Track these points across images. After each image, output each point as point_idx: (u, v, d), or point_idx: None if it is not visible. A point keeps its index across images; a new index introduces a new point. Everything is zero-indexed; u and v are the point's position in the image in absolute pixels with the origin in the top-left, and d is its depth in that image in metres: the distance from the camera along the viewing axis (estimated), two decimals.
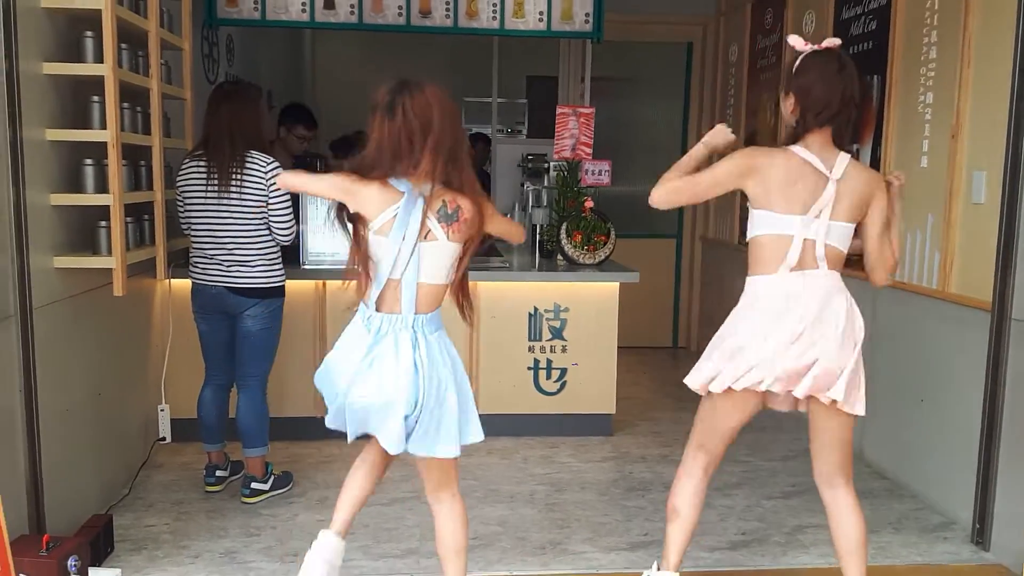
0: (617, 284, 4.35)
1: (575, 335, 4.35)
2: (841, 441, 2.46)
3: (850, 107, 2.35)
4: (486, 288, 4.28)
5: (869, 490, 3.72)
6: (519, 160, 5.85)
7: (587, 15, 5.05)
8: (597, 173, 4.79)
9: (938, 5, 3.53)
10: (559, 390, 4.39)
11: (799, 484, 3.76)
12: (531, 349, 4.34)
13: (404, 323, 2.23)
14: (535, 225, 5.14)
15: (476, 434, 2.35)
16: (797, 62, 2.40)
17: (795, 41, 2.43)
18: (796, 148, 2.36)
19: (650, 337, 6.58)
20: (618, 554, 3.13)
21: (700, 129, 6.43)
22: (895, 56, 3.81)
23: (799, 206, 2.32)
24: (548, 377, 4.38)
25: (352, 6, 4.90)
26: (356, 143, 4.91)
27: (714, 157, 2.48)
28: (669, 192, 2.41)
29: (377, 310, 2.26)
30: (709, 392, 2.45)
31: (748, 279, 2.45)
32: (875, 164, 3.95)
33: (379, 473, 2.55)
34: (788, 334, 2.31)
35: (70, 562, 2.61)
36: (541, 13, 5.02)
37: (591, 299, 4.35)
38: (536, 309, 4.33)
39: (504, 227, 2.46)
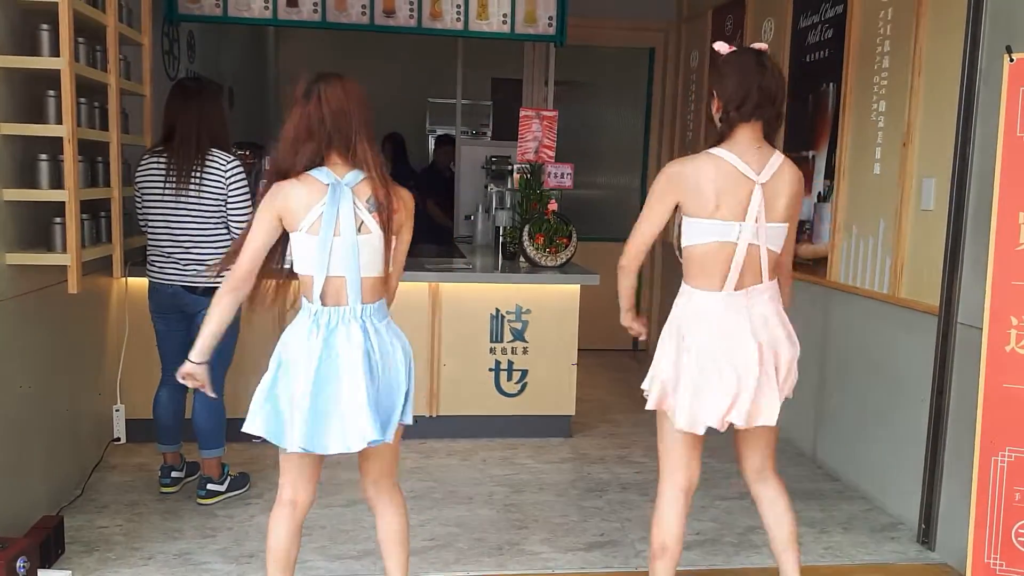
0: (578, 286, 4.38)
1: (536, 336, 4.38)
2: (770, 435, 2.51)
3: (772, 101, 2.31)
4: (448, 289, 4.29)
5: (820, 491, 3.80)
6: (483, 162, 5.87)
7: (550, 19, 5.09)
8: (559, 176, 4.84)
9: (891, 15, 3.61)
10: (520, 391, 4.41)
11: None
12: (492, 351, 4.36)
13: (353, 314, 2.22)
14: (498, 227, 5.17)
15: (409, 416, 2.33)
16: (719, 64, 2.40)
17: (720, 46, 2.43)
18: (718, 151, 2.32)
19: (610, 339, 6.61)
20: (575, 554, 3.16)
21: (661, 133, 6.52)
22: (849, 65, 3.88)
23: (737, 211, 2.29)
24: (509, 379, 4.40)
25: (315, 4, 4.88)
26: None
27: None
28: (632, 258, 2.44)
29: (323, 304, 2.24)
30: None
31: (689, 289, 2.40)
32: (830, 170, 4.04)
33: (301, 517, 2.35)
34: (731, 372, 2.31)
35: (19, 564, 2.57)
36: (505, 15, 5.04)
37: (552, 301, 4.38)
38: (498, 311, 4.34)
39: (398, 265, 2.38)
